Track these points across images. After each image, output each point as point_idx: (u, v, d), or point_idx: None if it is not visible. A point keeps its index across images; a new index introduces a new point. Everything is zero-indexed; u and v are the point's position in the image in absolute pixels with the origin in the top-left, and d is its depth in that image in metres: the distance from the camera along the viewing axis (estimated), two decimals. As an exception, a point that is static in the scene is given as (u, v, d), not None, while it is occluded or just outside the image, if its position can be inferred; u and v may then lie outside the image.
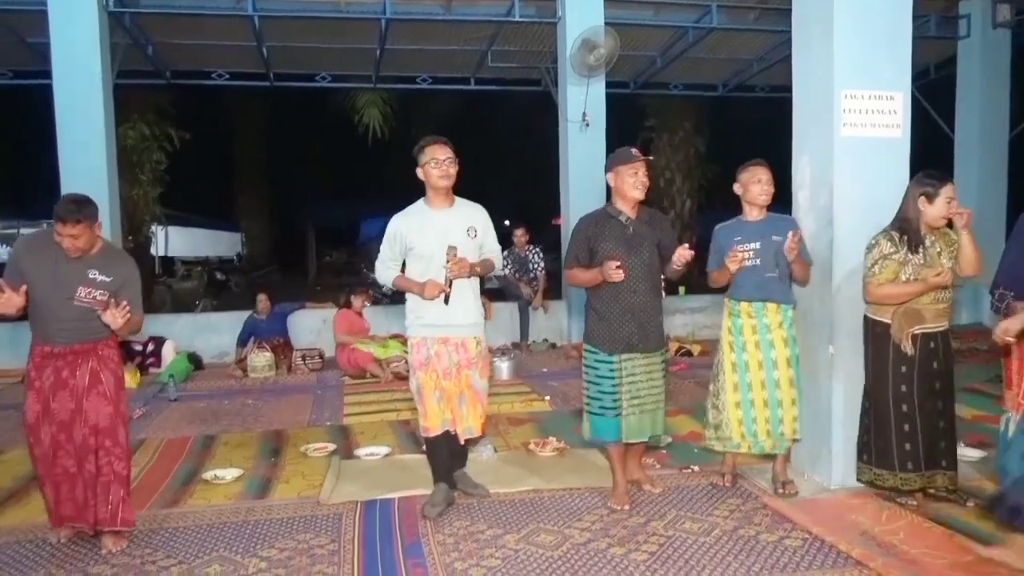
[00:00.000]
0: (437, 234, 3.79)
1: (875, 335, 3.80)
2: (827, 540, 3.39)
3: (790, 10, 4.34)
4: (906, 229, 3.68)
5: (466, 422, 3.93)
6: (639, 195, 3.81)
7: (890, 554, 3.25)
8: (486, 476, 4.23)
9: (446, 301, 3.78)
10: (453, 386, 3.88)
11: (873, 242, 3.72)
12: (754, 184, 3.93)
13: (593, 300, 3.89)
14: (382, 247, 3.95)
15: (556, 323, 9.72)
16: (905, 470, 3.73)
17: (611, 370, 3.81)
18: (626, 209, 3.85)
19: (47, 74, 8.16)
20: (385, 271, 3.95)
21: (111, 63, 8.46)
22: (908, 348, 3.67)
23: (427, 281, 3.76)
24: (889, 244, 3.66)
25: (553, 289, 9.79)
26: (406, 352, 7.59)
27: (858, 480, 3.92)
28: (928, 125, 9.90)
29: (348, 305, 8.43)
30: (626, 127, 12.48)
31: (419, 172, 3.86)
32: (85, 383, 3.44)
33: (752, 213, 4.00)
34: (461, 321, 3.86)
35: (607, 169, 3.89)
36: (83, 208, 3.34)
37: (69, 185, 8.01)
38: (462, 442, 3.98)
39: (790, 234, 3.80)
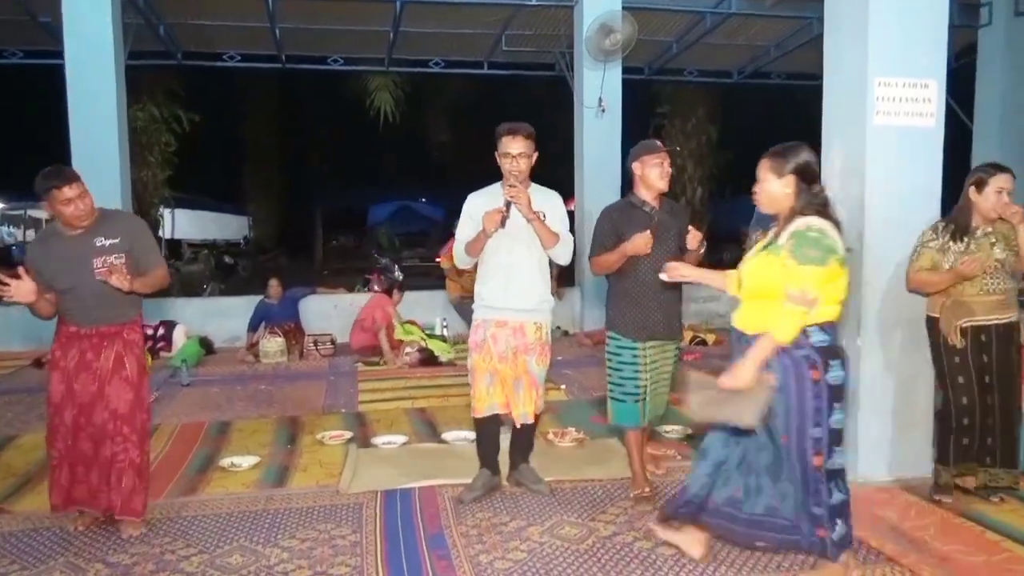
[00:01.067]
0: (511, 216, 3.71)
1: (931, 330, 3.77)
2: (857, 535, 3.33)
3: (811, -5, 4.25)
4: (957, 218, 3.65)
5: (522, 407, 3.86)
6: (663, 186, 3.80)
7: (921, 551, 3.20)
8: (506, 467, 4.17)
9: (503, 223, 3.66)
10: (509, 370, 3.82)
11: (922, 232, 3.71)
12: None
13: (619, 287, 3.86)
14: (459, 224, 3.91)
15: (569, 310, 9.64)
16: (964, 464, 3.71)
17: (634, 356, 3.79)
18: (649, 199, 3.84)
19: (58, 54, 8.09)
20: (459, 247, 3.89)
21: (123, 43, 8.38)
22: (957, 341, 3.62)
23: (484, 216, 3.67)
24: (931, 232, 3.67)
25: (567, 275, 9.71)
26: (421, 339, 7.68)
27: (936, 483, 3.81)
28: (947, 115, 9.78)
29: (389, 293, 8.39)
30: (638, 113, 12.37)
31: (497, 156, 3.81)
32: (109, 366, 3.40)
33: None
34: (518, 305, 3.80)
35: (632, 159, 3.85)
36: (68, 170, 3.38)
37: (80, 166, 7.88)
38: (518, 425, 3.90)
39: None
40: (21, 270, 3.29)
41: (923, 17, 3.88)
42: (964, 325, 3.62)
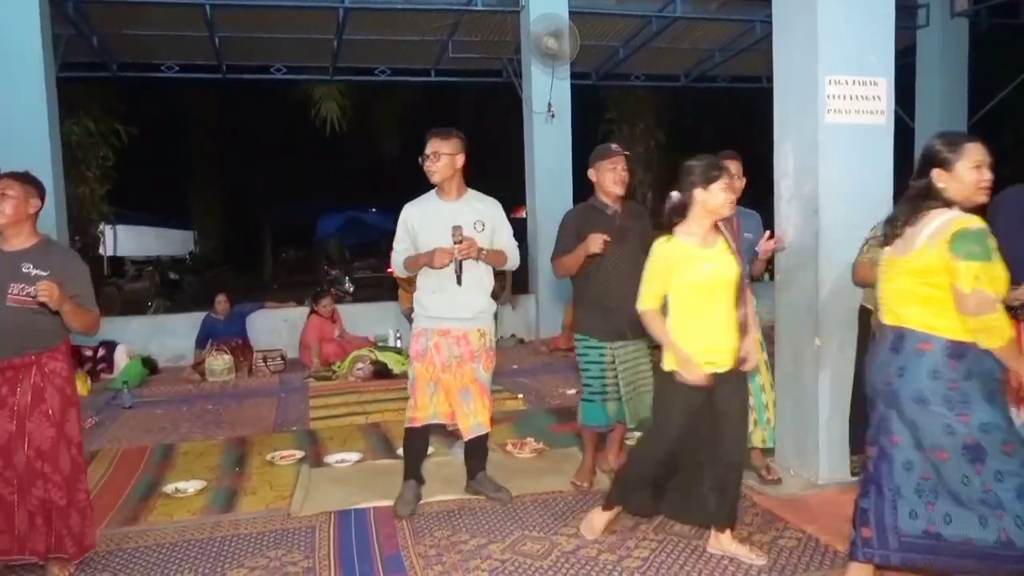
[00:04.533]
0: (443, 225, 3.63)
1: (863, 322, 3.77)
2: (822, 540, 3.29)
3: (754, -1, 4.25)
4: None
5: (475, 418, 3.80)
6: (618, 190, 3.88)
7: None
8: (464, 480, 4.04)
9: (459, 281, 3.63)
10: (454, 379, 3.74)
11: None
12: None
13: (584, 290, 3.94)
14: (396, 235, 3.82)
15: (524, 318, 9.55)
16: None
17: (601, 355, 3.90)
18: (610, 202, 3.93)
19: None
20: (396, 257, 3.81)
21: (53, 54, 8.05)
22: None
23: (435, 249, 3.59)
24: (876, 227, 3.60)
25: (519, 283, 9.63)
26: (371, 353, 7.52)
27: (852, 474, 3.83)
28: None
29: (314, 311, 8.23)
30: (587, 119, 12.36)
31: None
32: (27, 401, 3.08)
33: None
34: (463, 314, 3.74)
35: (590, 164, 3.93)
36: (23, 173, 3.16)
37: (11, 183, 7.60)
38: (465, 439, 3.84)
39: (766, 235, 3.86)
40: None
41: (872, 16, 3.87)
42: None
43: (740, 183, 3.82)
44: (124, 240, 21.87)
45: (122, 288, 15.51)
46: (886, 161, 3.92)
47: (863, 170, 3.87)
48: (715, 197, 2.99)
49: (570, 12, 8.46)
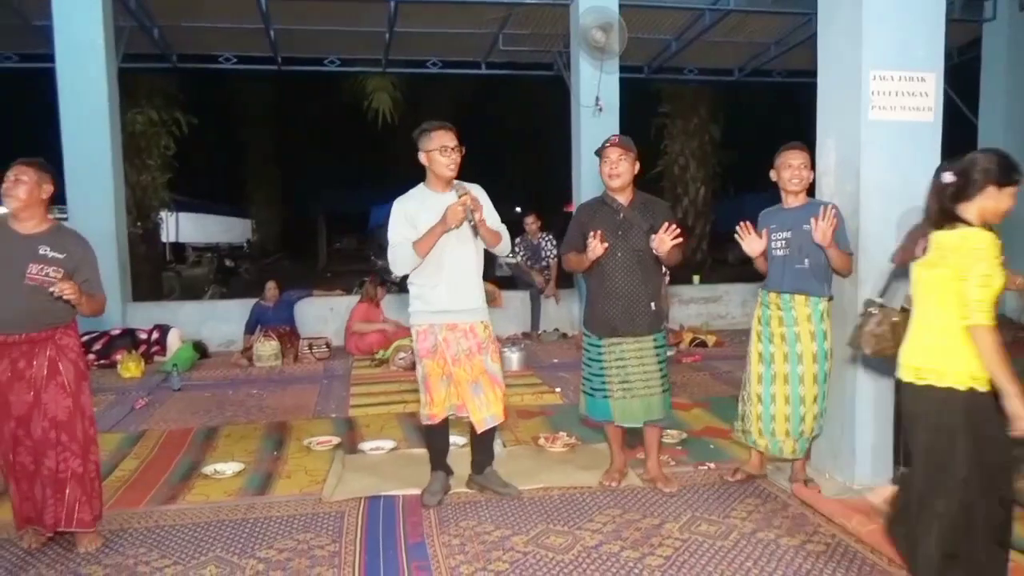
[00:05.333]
0: (441, 211, 3.64)
1: None
2: (852, 545, 3.22)
3: (812, -11, 4.13)
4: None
5: (488, 410, 3.78)
6: (614, 184, 3.82)
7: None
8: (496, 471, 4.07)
9: (475, 231, 3.66)
10: (464, 372, 3.75)
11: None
12: (784, 169, 3.74)
13: (588, 285, 3.97)
14: (391, 231, 3.77)
15: (568, 312, 9.55)
16: None
17: (599, 353, 3.88)
18: (618, 196, 3.87)
19: (52, 57, 8.02)
20: (401, 249, 3.71)
21: (116, 46, 8.31)
22: None
23: (445, 210, 3.58)
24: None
25: (565, 277, 9.61)
26: (412, 343, 7.60)
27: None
28: (951, 110, 9.65)
29: (371, 297, 8.47)
30: (639, 113, 12.25)
31: (422, 157, 3.72)
32: (44, 373, 3.25)
33: (788, 200, 3.80)
34: (467, 306, 3.77)
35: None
36: (35, 160, 3.29)
37: (72, 170, 7.90)
38: (479, 431, 3.83)
39: (812, 219, 3.55)
40: None
41: (920, 9, 3.75)
42: None
43: (804, 174, 3.73)
44: (185, 227, 22.47)
45: (181, 274, 15.94)
46: (933, 160, 3.77)
47: (908, 169, 3.75)
48: (1005, 202, 2.57)
49: (621, 5, 8.38)
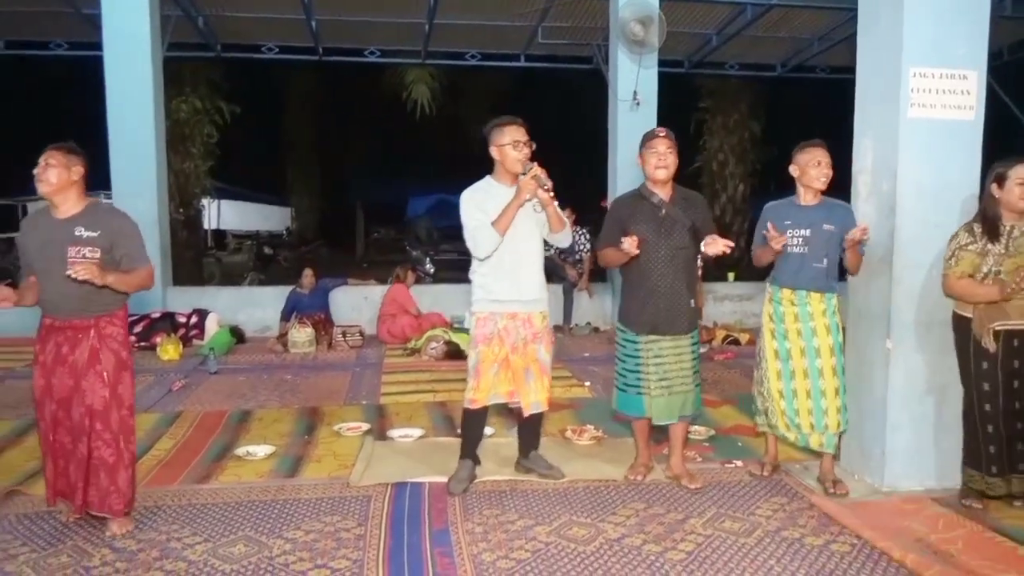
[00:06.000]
0: (506, 203, 3.70)
1: (959, 330, 3.62)
2: (878, 546, 3.19)
3: (856, -16, 4.07)
4: (985, 217, 3.49)
5: (534, 396, 3.86)
6: (662, 175, 3.77)
7: (947, 563, 3.04)
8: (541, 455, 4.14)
9: (542, 207, 3.71)
10: (520, 360, 3.81)
11: (954, 233, 3.55)
12: (813, 167, 3.70)
13: (625, 280, 3.94)
14: (466, 217, 3.78)
15: (600, 306, 9.54)
16: (990, 474, 3.55)
17: (636, 349, 3.86)
18: (658, 190, 3.82)
19: (99, 45, 8.22)
20: (481, 231, 3.71)
21: (161, 35, 8.48)
22: (989, 344, 3.46)
23: (517, 187, 3.65)
24: (966, 235, 3.50)
25: (598, 271, 9.60)
26: (445, 333, 7.67)
27: (966, 486, 3.68)
28: (1000, 110, 9.42)
29: (402, 280, 8.61)
30: (678, 108, 12.16)
31: (493, 151, 3.78)
32: (84, 360, 3.29)
33: (806, 197, 3.79)
34: (529, 296, 3.82)
35: (638, 151, 3.86)
36: (65, 143, 3.33)
37: (117, 156, 8.10)
38: (526, 415, 3.90)
39: (856, 231, 3.58)
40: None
41: (962, 6, 3.68)
42: (997, 328, 3.45)
43: (829, 172, 3.71)
44: (226, 214, 22.78)
45: (222, 260, 16.22)
46: (972, 159, 3.73)
47: (946, 168, 3.71)
48: None
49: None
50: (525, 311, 3.82)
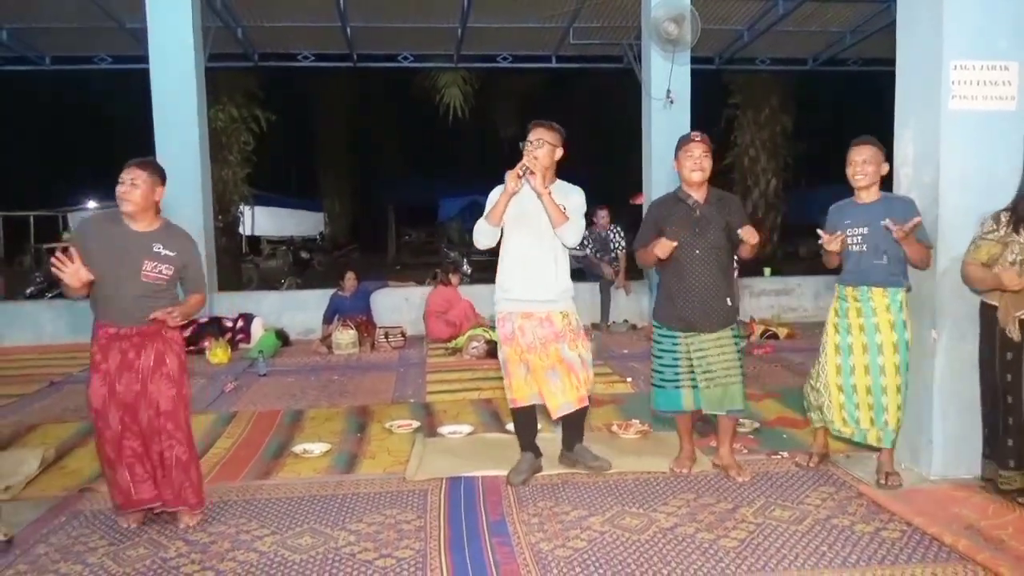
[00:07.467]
0: (518, 203, 3.82)
1: (985, 319, 3.63)
2: (928, 532, 3.24)
3: (889, -23, 4.11)
4: (1017, 208, 3.50)
5: (563, 396, 3.88)
6: (697, 178, 3.85)
7: (998, 549, 3.09)
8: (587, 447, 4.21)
9: (537, 175, 3.78)
10: (539, 360, 3.86)
11: (981, 221, 3.57)
12: (848, 166, 3.75)
13: (662, 278, 4.01)
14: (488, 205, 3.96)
15: (637, 304, 9.60)
16: (1007, 468, 3.56)
17: (674, 345, 3.92)
18: (693, 192, 3.90)
19: (143, 58, 8.45)
20: (479, 223, 3.91)
21: (203, 46, 8.70)
22: (1014, 334, 3.47)
23: (507, 175, 3.76)
24: (991, 223, 3.52)
25: (634, 269, 9.65)
26: (484, 332, 7.79)
27: (982, 478, 3.72)
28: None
29: (447, 283, 8.77)
30: (709, 105, 12.18)
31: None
32: (151, 364, 3.42)
33: (860, 195, 3.81)
34: (541, 296, 3.88)
35: (675, 153, 3.95)
36: (149, 161, 3.47)
37: (164, 165, 8.29)
38: (553, 417, 3.97)
39: (889, 222, 3.57)
40: (75, 254, 3.27)
41: (1003, -2, 3.72)
42: (1023, 317, 3.46)
43: (869, 169, 3.70)
44: (261, 220, 23.13)
45: (258, 266, 16.50)
46: (1015, 149, 3.75)
47: (988, 159, 3.74)
48: None
49: (692, -3, 8.38)
50: (542, 310, 3.88)
